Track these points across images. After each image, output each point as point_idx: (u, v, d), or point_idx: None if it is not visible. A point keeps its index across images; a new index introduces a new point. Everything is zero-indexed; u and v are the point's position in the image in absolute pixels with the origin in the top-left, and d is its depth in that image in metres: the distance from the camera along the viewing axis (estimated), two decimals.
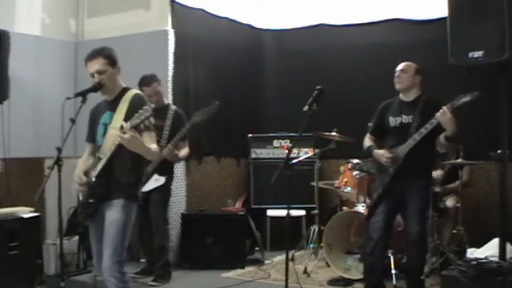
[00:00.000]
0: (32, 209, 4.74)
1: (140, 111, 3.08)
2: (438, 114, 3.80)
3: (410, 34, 6.00)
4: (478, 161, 5.03)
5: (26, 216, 4.65)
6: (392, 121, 4.16)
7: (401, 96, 4.22)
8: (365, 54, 6.19)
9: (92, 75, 3.38)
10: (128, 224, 3.33)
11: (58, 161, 3.53)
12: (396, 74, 4.17)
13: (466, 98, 3.77)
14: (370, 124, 4.41)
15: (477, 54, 4.04)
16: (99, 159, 3.35)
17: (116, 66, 3.45)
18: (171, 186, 5.08)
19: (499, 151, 4.17)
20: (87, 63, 3.40)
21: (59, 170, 3.57)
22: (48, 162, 3.84)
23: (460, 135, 3.95)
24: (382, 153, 4.12)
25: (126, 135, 3.07)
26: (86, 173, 3.41)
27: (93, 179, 3.33)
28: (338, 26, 6.57)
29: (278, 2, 6.94)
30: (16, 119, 5.27)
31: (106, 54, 3.40)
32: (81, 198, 3.44)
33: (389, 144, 4.14)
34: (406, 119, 4.09)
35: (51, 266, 5.02)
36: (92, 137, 3.59)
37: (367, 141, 4.34)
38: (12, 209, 4.72)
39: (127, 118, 3.22)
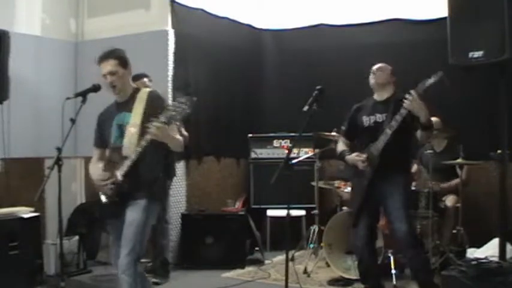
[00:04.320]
0: (32, 209, 4.74)
1: (176, 103, 3.12)
2: (406, 101, 3.73)
3: (410, 34, 6.00)
4: (478, 161, 5.02)
5: (26, 216, 4.66)
6: (366, 121, 4.09)
7: (375, 96, 4.17)
8: (365, 54, 6.17)
9: (105, 76, 3.41)
10: (148, 225, 3.36)
11: (58, 161, 3.54)
12: (373, 73, 4.15)
13: (431, 80, 3.70)
14: (343, 127, 4.33)
15: (477, 54, 4.04)
16: (124, 158, 3.31)
17: (128, 67, 3.48)
18: (171, 186, 5.08)
19: (499, 151, 4.17)
20: (100, 65, 3.44)
21: (59, 170, 3.58)
22: (48, 162, 3.84)
23: (430, 122, 3.89)
24: (356, 158, 4.01)
25: (160, 125, 3.11)
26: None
27: (120, 178, 3.32)
28: (338, 26, 6.56)
29: (278, 2, 6.94)
30: (16, 119, 5.27)
31: (117, 55, 3.44)
32: (103, 198, 3.43)
33: (363, 145, 4.03)
34: (380, 117, 4.02)
35: (51, 266, 5.03)
36: (100, 142, 3.60)
37: (341, 146, 4.26)
38: (12, 209, 4.72)
39: (145, 115, 3.28)
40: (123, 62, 3.44)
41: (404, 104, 3.76)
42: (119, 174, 3.32)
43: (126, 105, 3.44)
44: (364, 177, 3.99)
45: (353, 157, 4.05)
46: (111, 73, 3.38)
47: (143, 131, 3.24)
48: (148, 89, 3.53)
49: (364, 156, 3.97)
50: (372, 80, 4.15)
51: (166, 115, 3.13)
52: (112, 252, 3.53)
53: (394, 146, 3.87)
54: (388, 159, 3.89)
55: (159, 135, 3.16)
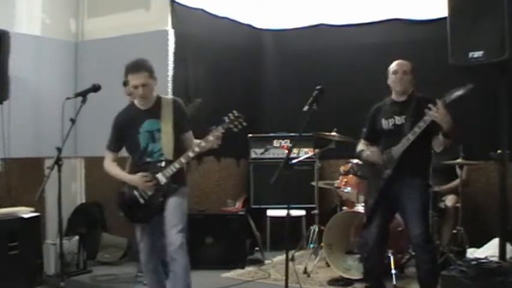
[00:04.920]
0: (32, 209, 4.75)
1: (232, 116, 3.55)
2: (431, 111, 3.68)
3: (410, 34, 5.99)
4: (478, 161, 5.02)
5: (26, 216, 4.66)
6: (385, 124, 4.02)
7: (394, 96, 4.07)
8: (365, 54, 6.19)
9: (135, 87, 3.56)
10: (186, 207, 3.69)
11: (58, 161, 3.55)
12: (398, 76, 3.96)
13: (459, 92, 3.63)
14: (364, 130, 4.27)
15: (477, 54, 4.04)
16: (161, 162, 3.58)
17: (155, 78, 3.65)
18: None
19: (499, 151, 4.17)
20: (129, 75, 3.58)
21: (59, 170, 3.58)
22: (48, 162, 3.85)
23: (457, 129, 3.84)
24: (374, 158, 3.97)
25: (220, 136, 3.53)
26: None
27: (165, 180, 3.58)
28: (338, 26, 6.56)
29: (278, 2, 6.94)
30: (16, 119, 5.27)
31: (148, 67, 3.60)
32: (141, 200, 3.64)
33: (383, 147, 4.00)
34: (399, 120, 3.96)
35: (51, 266, 5.02)
36: (116, 147, 3.76)
37: (361, 147, 4.21)
38: (12, 209, 4.73)
39: (176, 121, 3.60)
40: (152, 74, 3.62)
41: (429, 113, 3.69)
42: (163, 177, 3.57)
43: (152, 112, 3.64)
44: (381, 178, 3.97)
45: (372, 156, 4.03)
46: (144, 85, 3.54)
47: (177, 136, 3.60)
48: (171, 97, 3.77)
49: (381, 158, 3.94)
50: (396, 85, 3.99)
51: (224, 126, 3.50)
52: (143, 254, 3.75)
53: (413, 151, 3.84)
54: (407, 163, 3.86)
55: (217, 145, 3.53)
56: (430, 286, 3.92)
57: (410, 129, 3.85)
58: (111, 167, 3.74)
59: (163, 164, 3.59)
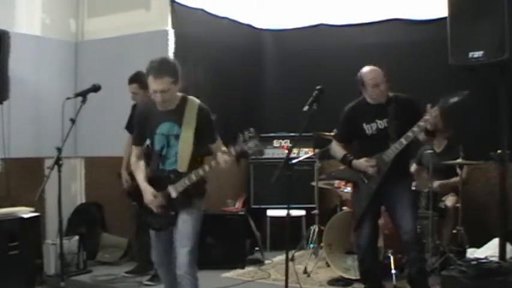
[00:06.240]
0: (32, 209, 4.75)
1: (249, 144, 3.25)
2: (428, 117, 3.70)
3: (410, 34, 5.99)
4: (478, 161, 5.02)
5: (26, 216, 4.66)
6: (368, 128, 4.01)
7: (368, 100, 4.06)
8: (365, 54, 6.16)
9: (155, 92, 3.26)
10: (200, 222, 3.41)
11: (58, 161, 3.55)
12: (381, 88, 3.97)
13: (454, 99, 3.63)
14: (336, 130, 4.26)
15: (477, 54, 4.04)
16: (176, 173, 3.34)
17: (179, 82, 3.34)
18: None
19: (499, 151, 4.17)
20: (150, 77, 3.25)
21: (59, 170, 3.58)
22: (48, 162, 3.86)
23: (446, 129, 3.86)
24: (366, 164, 3.95)
25: (232, 159, 3.25)
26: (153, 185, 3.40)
27: (174, 195, 3.33)
28: (338, 26, 6.56)
29: (278, 2, 6.94)
30: (16, 119, 5.27)
31: (172, 72, 3.29)
32: (155, 210, 3.41)
33: (366, 151, 3.99)
34: (381, 124, 3.96)
35: (51, 266, 5.02)
36: (141, 141, 3.50)
37: (339, 150, 4.16)
38: (12, 209, 4.73)
39: (198, 132, 3.34)
40: (176, 79, 3.30)
41: (425, 119, 3.71)
42: (174, 191, 3.33)
43: (173, 114, 3.36)
44: (373, 181, 3.97)
45: (362, 162, 3.99)
46: (163, 91, 3.25)
47: (195, 148, 3.34)
48: (197, 102, 3.44)
49: (373, 161, 3.94)
50: (377, 98, 4.01)
51: (237, 149, 3.23)
52: (154, 250, 3.55)
53: (400, 152, 3.88)
54: (396, 164, 3.90)
55: (228, 164, 3.25)
56: (423, 285, 3.94)
57: (395, 132, 3.87)
58: (135, 169, 3.50)
59: (173, 176, 3.36)
